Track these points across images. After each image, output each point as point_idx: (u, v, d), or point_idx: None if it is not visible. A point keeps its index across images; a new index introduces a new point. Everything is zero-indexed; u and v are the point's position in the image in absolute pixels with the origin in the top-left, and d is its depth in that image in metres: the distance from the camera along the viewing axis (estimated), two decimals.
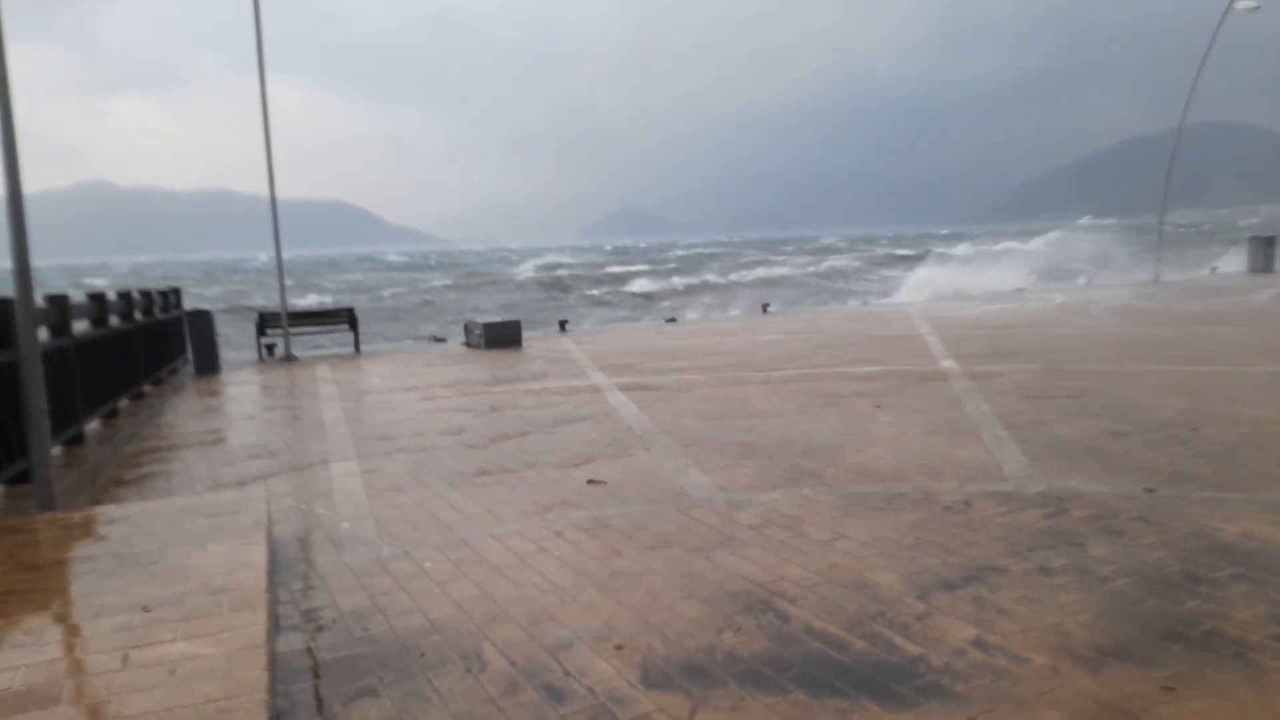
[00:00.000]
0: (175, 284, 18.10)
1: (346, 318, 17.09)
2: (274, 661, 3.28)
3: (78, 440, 8.11)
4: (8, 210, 4.91)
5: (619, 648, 3.49)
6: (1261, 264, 26.12)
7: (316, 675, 3.39)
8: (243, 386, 12.39)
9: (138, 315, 11.53)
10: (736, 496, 5.59)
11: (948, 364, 10.91)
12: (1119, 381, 9.15)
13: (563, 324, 19.84)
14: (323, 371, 13.47)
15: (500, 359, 14.08)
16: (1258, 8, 22.72)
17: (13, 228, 4.93)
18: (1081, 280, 27.92)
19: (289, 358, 15.79)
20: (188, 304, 17.12)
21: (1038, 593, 3.87)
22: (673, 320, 21.73)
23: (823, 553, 4.49)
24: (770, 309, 22.62)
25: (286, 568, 4.64)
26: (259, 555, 4.01)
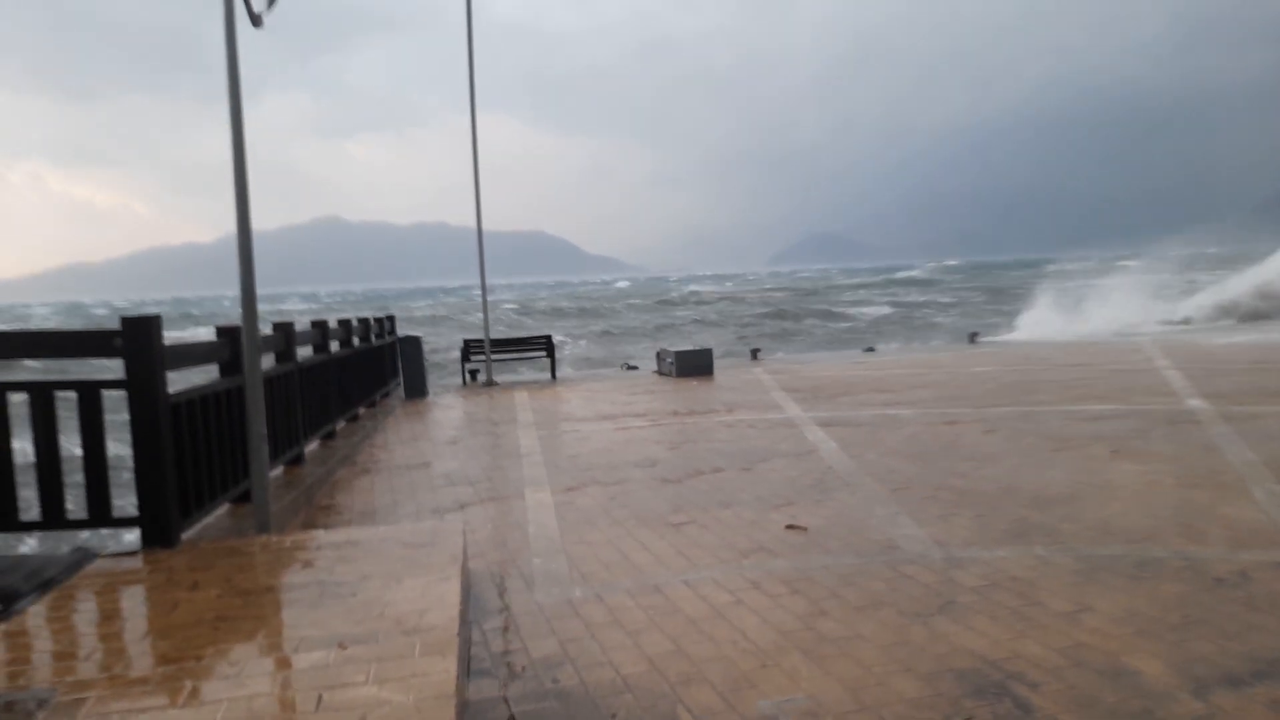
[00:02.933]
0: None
1: (544, 345, 17.55)
2: (463, 711, 3.13)
3: (298, 460, 8.59)
4: (237, 247, 5.19)
5: None
6: None
7: None
8: (447, 411, 12.87)
9: (355, 341, 12.23)
10: (955, 553, 5.02)
11: (1196, 403, 9.63)
12: None
13: (754, 352, 19.47)
14: (521, 398, 13.80)
15: (692, 388, 13.89)
16: None
17: (241, 262, 5.20)
18: None
19: (490, 383, 16.35)
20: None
21: None
22: (871, 350, 20.84)
23: (1065, 627, 3.88)
24: (979, 338, 21.24)
25: (480, 604, 4.56)
26: (453, 594, 3.92)
